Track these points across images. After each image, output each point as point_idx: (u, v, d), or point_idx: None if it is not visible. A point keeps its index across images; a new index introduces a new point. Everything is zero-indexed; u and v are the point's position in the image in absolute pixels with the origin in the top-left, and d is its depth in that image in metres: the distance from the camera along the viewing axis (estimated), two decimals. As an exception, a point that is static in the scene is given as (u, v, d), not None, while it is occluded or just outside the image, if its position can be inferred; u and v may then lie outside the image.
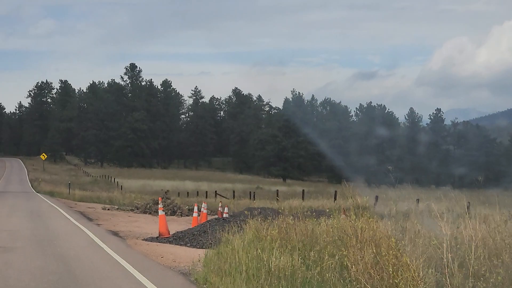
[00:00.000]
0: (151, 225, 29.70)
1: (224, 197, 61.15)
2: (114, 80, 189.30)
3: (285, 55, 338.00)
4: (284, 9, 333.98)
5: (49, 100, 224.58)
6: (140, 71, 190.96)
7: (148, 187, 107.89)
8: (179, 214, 38.77)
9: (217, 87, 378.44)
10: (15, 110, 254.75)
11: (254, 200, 52.45)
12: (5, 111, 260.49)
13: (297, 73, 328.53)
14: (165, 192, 46.88)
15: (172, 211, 39.12)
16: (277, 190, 71.60)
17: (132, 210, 40.43)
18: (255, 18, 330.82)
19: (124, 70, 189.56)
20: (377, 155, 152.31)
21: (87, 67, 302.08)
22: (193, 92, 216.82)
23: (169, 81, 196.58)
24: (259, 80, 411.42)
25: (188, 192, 73.54)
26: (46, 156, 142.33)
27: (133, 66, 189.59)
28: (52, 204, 42.76)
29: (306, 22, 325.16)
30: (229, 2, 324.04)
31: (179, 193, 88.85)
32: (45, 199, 51.56)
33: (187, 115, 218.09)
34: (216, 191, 62.48)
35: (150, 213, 38.90)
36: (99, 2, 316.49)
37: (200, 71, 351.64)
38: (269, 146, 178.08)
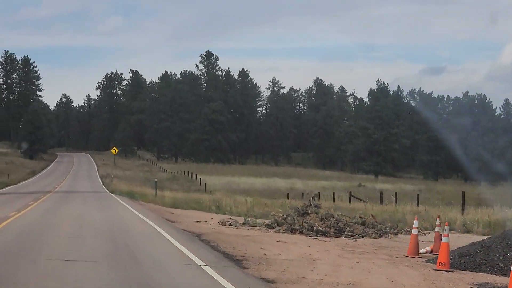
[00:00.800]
0: (335, 258, 14.60)
1: (360, 199, 45.18)
2: (188, 70, 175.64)
3: (352, 50, 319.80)
4: (351, 4, 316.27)
5: (119, 92, 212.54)
6: (216, 59, 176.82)
7: (234, 185, 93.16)
8: (349, 233, 23.23)
9: (285, 83, 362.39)
10: (84, 103, 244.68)
11: (418, 205, 36.44)
12: (73, 105, 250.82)
13: (364, 68, 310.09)
14: (313, 196, 30.94)
15: (337, 229, 23.62)
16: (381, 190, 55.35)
17: (269, 226, 24.99)
18: (322, 13, 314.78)
19: (200, 59, 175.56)
20: (485, 148, 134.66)
21: (156, 63, 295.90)
22: (271, 84, 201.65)
23: (247, 70, 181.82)
24: (328, 75, 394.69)
25: (302, 193, 57.49)
26: (117, 150, 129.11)
27: (209, 54, 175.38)
28: (139, 215, 27.85)
29: (373, 17, 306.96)
30: None
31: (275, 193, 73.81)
32: (125, 203, 36.91)
33: (264, 107, 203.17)
34: (351, 193, 47.01)
35: (301, 232, 23.49)
36: None
37: (268, 66, 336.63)
38: (357, 139, 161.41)
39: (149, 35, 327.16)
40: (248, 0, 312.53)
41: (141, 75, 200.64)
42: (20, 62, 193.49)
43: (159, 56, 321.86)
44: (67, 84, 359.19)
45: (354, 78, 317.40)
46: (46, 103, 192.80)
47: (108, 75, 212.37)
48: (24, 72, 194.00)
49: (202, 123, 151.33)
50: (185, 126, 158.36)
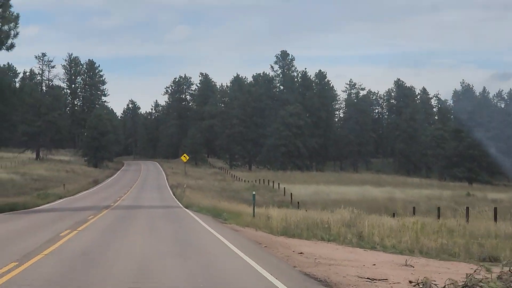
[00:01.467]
0: None
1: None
2: (263, 72, 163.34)
3: (420, 57, 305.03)
4: (418, 10, 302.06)
5: (188, 97, 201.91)
6: (292, 59, 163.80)
7: (323, 195, 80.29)
8: None
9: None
10: (151, 109, 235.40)
11: None
12: (140, 111, 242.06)
13: (431, 74, 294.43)
14: None
15: None
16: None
17: None
18: (388, 20, 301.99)
19: (274, 59, 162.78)
20: None
21: (225, 69, 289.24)
22: (347, 86, 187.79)
23: (324, 72, 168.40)
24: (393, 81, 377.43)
25: (414, 208, 43.75)
26: (187, 158, 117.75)
27: (284, 55, 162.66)
28: (251, 263, 14.85)
29: (440, 23, 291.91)
30: (360, 4, 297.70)
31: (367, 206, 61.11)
32: (212, 230, 24.18)
33: (340, 111, 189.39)
34: (467, 209, 33.72)
35: None
36: (234, 6, 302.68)
37: (335, 74, 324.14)
38: (447, 143, 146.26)
39: (217, 43, 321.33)
40: (315, 8, 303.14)
41: (211, 78, 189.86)
42: (84, 66, 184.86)
43: (228, 64, 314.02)
44: (134, 91, 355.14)
45: (423, 83, 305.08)
46: (111, 109, 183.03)
47: (177, 80, 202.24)
48: (88, 77, 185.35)
49: (279, 128, 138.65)
50: (259, 131, 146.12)
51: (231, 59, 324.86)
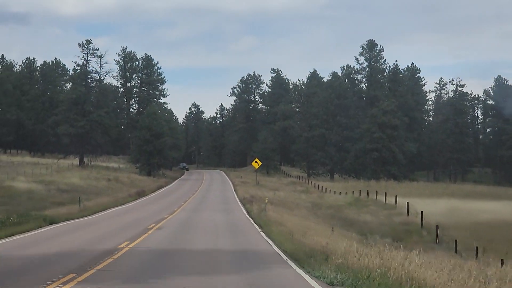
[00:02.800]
0: None
1: None
2: (347, 64, 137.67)
3: (488, 67, 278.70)
4: (486, 20, 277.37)
5: (257, 97, 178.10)
6: (381, 50, 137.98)
7: (464, 215, 55.37)
8: None
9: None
10: (216, 113, 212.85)
11: None
12: (204, 116, 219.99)
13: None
14: None
15: None
16: None
17: None
18: (458, 30, 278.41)
19: (360, 50, 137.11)
20: None
21: (296, 73, 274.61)
22: (437, 86, 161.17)
23: (417, 67, 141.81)
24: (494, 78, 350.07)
25: None
26: (260, 163, 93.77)
27: (371, 44, 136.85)
28: None
29: (508, 33, 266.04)
30: (431, 15, 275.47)
31: None
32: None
33: (431, 113, 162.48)
34: None
35: None
36: (299, 17, 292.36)
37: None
38: None
39: (284, 53, 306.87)
40: (383, 19, 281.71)
41: (284, 76, 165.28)
42: (140, 62, 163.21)
43: (297, 72, 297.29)
44: (198, 95, 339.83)
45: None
46: (170, 109, 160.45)
47: (244, 79, 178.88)
48: (145, 74, 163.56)
49: (370, 129, 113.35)
50: (344, 133, 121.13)
51: (299, 68, 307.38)
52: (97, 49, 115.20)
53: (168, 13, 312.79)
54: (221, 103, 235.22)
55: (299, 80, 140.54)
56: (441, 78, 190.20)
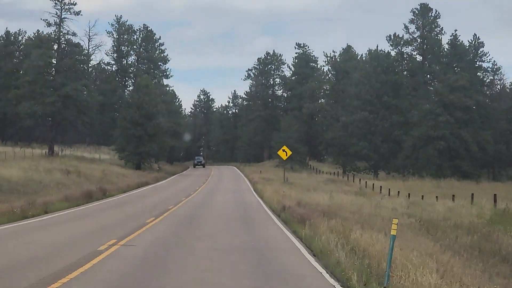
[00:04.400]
0: None
1: None
2: (394, 33, 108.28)
3: None
4: None
5: (277, 80, 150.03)
6: (437, 16, 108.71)
7: None
8: None
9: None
10: (228, 102, 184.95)
11: None
12: (214, 106, 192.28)
13: None
14: None
15: None
16: None
17: None
18: None
19: (411, 16, 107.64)
20: None
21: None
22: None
23: (480, 40, 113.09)
24: None
25: None
26: (289, 153, 65.86)
27: (425, 9, 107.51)
28: None
29: None
30: None
31: None
32: None
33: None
34: None
35: None
36: (316, 18, 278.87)
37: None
38: None
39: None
40: None
41: (310, 52, 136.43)
42: (138, 33, 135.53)
43: None
44: (207, 82, 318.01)
45: None
46: (172, 90, 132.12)
47: (262, 59, 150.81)
48: (144, 49, 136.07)
49: (433, 110, 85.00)
50: (394, 118, 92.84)
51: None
52: (75, 3, 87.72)
53: (183, 13, 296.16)
54: (234, 90, 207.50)
55: (333, 52, 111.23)
56: None
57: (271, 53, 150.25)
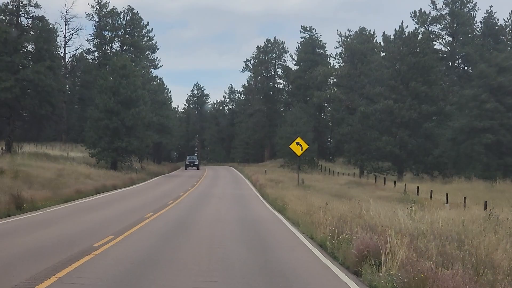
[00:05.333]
0: None
1: None
2: (420, 10, 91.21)
3: None
4: None
5: (279, 71, 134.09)
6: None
7: None
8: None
9: None
10: (224, 97, 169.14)
11: None
12: (209, 102, 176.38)
13: None
14: None
15: None
16: None
17: None
18: None
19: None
20: None
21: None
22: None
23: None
24: None
25: None
26: (305, 147, 50.06)
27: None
28: None
29: None
30: None
31: None
32: None
33: None
34: None
35: None
36: (312, 19, 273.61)
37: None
38: None
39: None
40: None
41: (317, 37, 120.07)
42: (122, 17, 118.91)
43: None
44: (201, 76, 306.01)
45: None
46: (161, 79, 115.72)
47: (261, 47, 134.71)
48: (129, 34, 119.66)
49: (478, 96, 68.77)
50: (424, 108, 76.63)
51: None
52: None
53: (180, 14, 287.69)
54: (231, 84, 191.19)
55: (348, 31, 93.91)
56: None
57: (272, 41, 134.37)
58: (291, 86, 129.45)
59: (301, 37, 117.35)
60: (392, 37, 78.48)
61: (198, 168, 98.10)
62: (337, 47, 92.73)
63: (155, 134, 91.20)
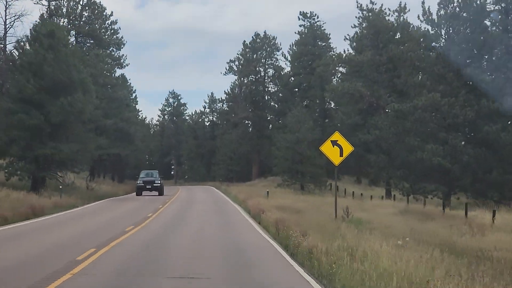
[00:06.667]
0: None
1: None
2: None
3: None
4: None
5: (270, 72, 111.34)
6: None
7: None
8: None
9: None
10: (204, 108, 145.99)
11: None
12: (186, 112, 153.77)
13: None
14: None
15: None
16: None
17: None
18: None
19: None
20: None
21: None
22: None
23: None
24: None
25: None
26: (350, 149, 27.35)
27: None
28: None
29: None
30: None
31: None
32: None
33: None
34: None
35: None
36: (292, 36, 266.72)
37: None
38: None
39: None
40: None
41: (320, 22, 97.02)
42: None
43: None
44: (177, 82, 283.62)
45: None
46: (123, 75, 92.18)
47: (249, 43, 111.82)
48: (86, 23, 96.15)
49: None
50: (484, 103, 53.96)
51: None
52: None
53: (160, 34, 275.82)
54: (211, 93, 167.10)
55: (371, 3, 70.05)
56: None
57: (261, 35, 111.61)
58: (281, 88, 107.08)
59: (300, 25, 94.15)
60: (436, 6, 55.84)
61: (160, 194, 59.76)
62: (355, 25, 69.49)
63: (115, 143, 68.38)
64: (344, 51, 73.44)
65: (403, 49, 60.31)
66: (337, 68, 77.89)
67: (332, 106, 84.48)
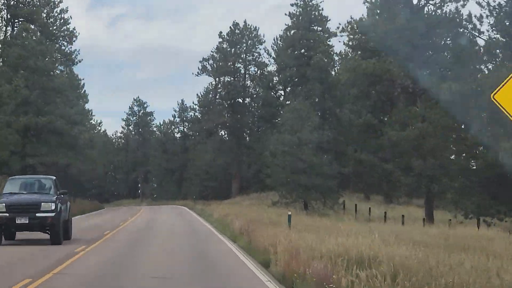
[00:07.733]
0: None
1: None
2: None
3: None
4: None
5: (252, 69, 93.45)
6: None
7: None
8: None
9: None
10: (173, 116, 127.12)
11: None
12: (154, 122, 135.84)
13: None
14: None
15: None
16: None
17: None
18: None
19: None
20: None
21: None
22: None
23: None
24: None
25: None
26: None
27: None
28: None
29: None
30: None
31: None
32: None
33: None
34: None
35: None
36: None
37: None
38: None
39: None
40: None
41: (318, 6, 78.54)
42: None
43: None
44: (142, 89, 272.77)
45: None
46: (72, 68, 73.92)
47: (226, 35, 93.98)
48: (25, 4, 77.86)
49: None
50: None
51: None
52: None
53: (131, 55, 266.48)
54: (182, 100, 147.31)
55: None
56: None
57: (241, 26, 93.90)
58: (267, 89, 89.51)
59: (292, 5, 76.01)
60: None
61: (55, 237, 24.16)
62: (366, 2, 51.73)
63: (65, 151, 50.49)
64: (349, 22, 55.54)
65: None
66: (346, 47, 60.30)
67: (335, 103, 66.63)
